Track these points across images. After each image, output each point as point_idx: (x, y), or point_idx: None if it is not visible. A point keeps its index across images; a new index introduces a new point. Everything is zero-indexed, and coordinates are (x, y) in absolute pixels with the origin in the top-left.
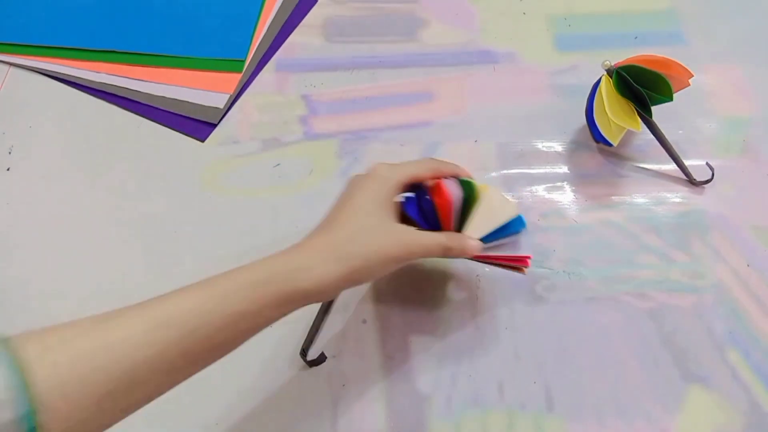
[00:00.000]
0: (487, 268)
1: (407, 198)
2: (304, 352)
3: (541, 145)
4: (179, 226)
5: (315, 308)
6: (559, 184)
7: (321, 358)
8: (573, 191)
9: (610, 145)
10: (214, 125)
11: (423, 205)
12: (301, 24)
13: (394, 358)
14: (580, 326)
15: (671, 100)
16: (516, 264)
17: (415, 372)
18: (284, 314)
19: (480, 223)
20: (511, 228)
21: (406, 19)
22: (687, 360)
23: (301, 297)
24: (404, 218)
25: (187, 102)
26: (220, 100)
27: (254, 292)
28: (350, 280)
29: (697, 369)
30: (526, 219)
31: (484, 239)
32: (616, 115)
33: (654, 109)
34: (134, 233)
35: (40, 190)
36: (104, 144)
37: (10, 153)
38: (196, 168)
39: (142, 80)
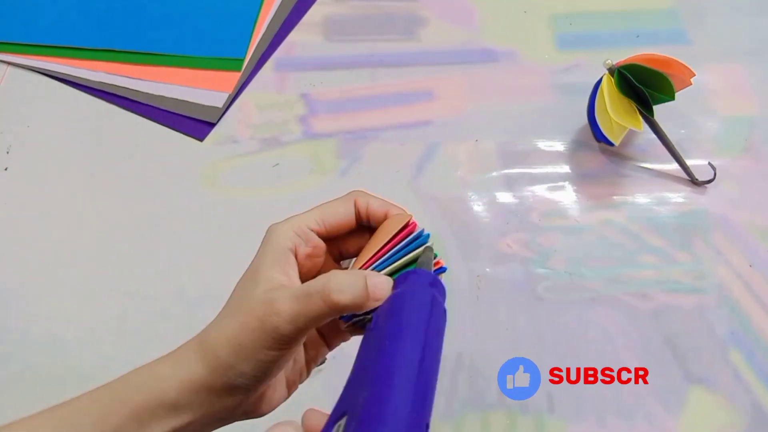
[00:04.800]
0: (488, 269)
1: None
2: None
3: (543, 145)
4: (178, 225)
5: None
6: (560, 183)
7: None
8: (574, 191)
9: (611, 144)
10: (213, 124)
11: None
12: (300, 22)
13: None
14: (581, 327)
15: (673, 99)
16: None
17: None
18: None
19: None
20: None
21: (406, 18)
22: (689, 361)
23: (168, 409)
24: None
25: (186, 101)
26: (218, 100)
27: (107, 416)
28: (220, 382)
29: (699, 370)
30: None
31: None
32: (617, 115)
33: (656, 108)
34: (133, 233)
35: (38, 190)
36: (102, 143)
37: (8, 152)
38: (194, 167)
39: (141, 79)
